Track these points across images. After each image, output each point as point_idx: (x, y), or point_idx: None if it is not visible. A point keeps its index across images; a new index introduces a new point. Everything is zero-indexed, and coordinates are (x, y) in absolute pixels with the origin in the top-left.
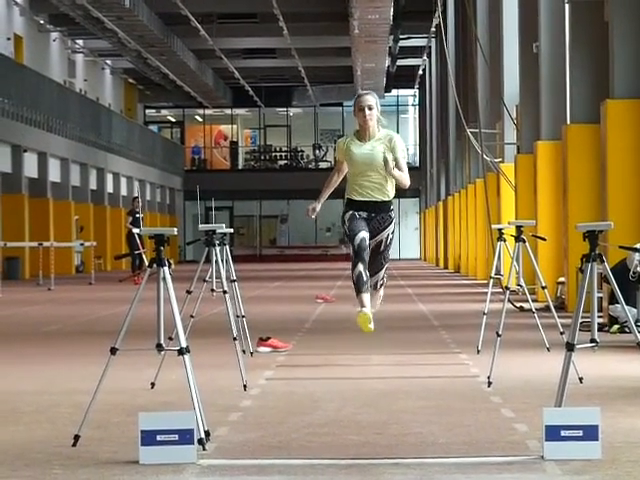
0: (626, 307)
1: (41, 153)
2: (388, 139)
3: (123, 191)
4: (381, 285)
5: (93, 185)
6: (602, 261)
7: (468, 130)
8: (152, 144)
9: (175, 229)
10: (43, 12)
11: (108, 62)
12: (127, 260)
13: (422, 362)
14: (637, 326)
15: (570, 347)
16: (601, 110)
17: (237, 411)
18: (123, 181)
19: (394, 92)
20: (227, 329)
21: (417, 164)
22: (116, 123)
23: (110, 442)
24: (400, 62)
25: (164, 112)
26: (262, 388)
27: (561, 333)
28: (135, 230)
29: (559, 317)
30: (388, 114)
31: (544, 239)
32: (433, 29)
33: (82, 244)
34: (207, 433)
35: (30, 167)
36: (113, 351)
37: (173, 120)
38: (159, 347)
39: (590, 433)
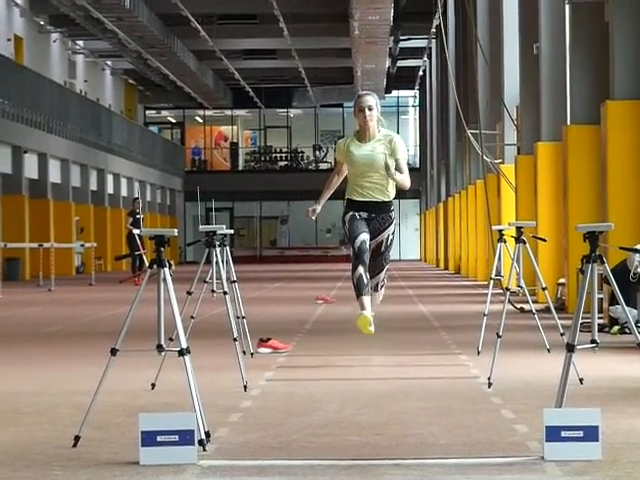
0: (626, 308)
1: (41, 154)
2: (388, 140)
3: (123, 192)
4: (381, 286)
5: (93, 186)
6: (602, 262)
7: (468, 131)
8: (152, 145)
9: (175, 230)
10: (43, 13)
11: (108, 63)
12: (127, 261)
13: (422, 363)
14: (637, 327)
15: (570, 348)
16: (601, 111)
17: (237, 412)
18: (123, 182)
19: (394, 93)
20: (227, 330)
21: (417, 165)
22: (116, 124)
23: (110, 443)
24: (400, 63)
25: (164, 113)
26: (262, 389)
27: (561, 334)
28: (135, 231)
29: (559, 318)
30: (388, 115)
31: (544, 240)
32: (433, 30)
33: (82, 245)
34: (207, 434)
35: (30, 168)
36: (113, 352)
37: (173, 121)
38: (159, 348)
39: (590, 434)
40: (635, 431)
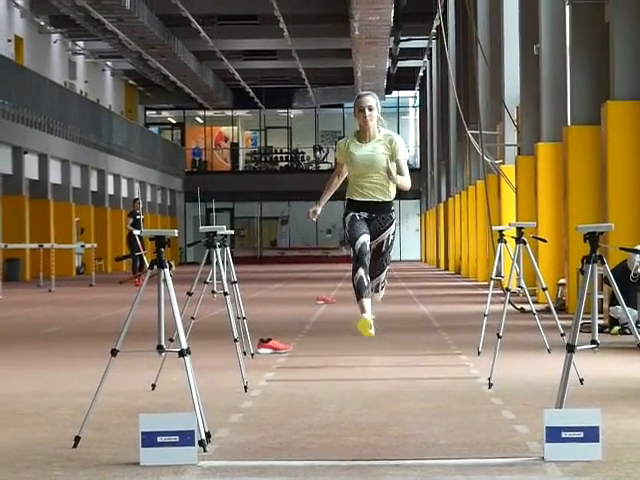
0: (627, 308)
1: (42, 155)
2: (389, 140)
3: (124, 193)
4: (382, 287)
5: (94, 187)
6: (603, 262)
7: (469, 132)
8: (153, 146)
9: (176, 231)
10: (44, 14)
11: (109, 64)
12: (128, 262)
13: (423, 363)
14: (638, 328)
15: (571, 348)
16: (602, 111)
17: (238, 412)
18: (124, 183)
19: (395, 94)
20: (228, 331)
21: (418, 166)
22: (117, 125)
23: (111, 444)
24: (401, 64)
25: (165, 114)
26: (263, 389)
27: (562, 334)
28: (136, 232)
29: (560, 318)
30: (389, 116)
31: (545, 240)
32: (434, 31)
33: (83, 246)
34: (208, 434)
35: (31, 169)
36: (114, 353)
37: (174, 122)
38: (160, 349)
39: (591, 434)
40: (635, 431)
